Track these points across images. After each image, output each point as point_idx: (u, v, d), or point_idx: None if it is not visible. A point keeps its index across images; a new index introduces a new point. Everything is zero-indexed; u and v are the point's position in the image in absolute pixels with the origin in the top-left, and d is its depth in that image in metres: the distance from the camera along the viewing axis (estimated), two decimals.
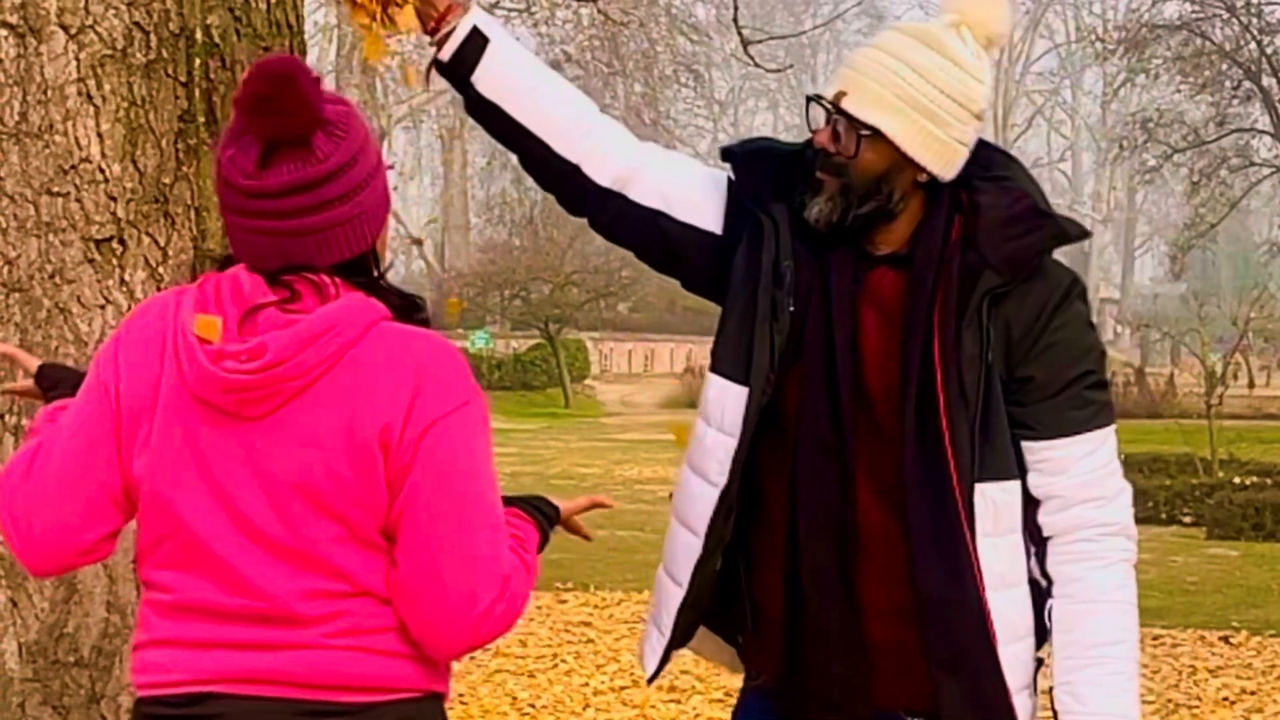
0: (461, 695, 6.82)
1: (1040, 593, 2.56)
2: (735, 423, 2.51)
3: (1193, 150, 30.18)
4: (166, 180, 2.60)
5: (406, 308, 2.11)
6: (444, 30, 2.54)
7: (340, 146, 2.04)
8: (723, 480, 2.53)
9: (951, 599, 2.47)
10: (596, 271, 31.74)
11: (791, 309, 2.50)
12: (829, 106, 2.49)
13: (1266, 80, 28.02)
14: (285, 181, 2.01)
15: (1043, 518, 2.52)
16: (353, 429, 2.02)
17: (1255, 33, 27.59)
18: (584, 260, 31.56)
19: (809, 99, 2.54)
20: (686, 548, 2.58)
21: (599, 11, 21.46)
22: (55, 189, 2.53)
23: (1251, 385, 29.26)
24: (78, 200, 2.53)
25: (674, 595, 2.60)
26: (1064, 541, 2.51)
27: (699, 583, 2.57)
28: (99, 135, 2.54)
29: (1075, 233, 2.53)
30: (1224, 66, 28.51)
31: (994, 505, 2.47)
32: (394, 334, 2.07)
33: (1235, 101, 29.18)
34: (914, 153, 2.46)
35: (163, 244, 2.60)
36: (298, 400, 2.02)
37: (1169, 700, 7.16)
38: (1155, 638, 8.57)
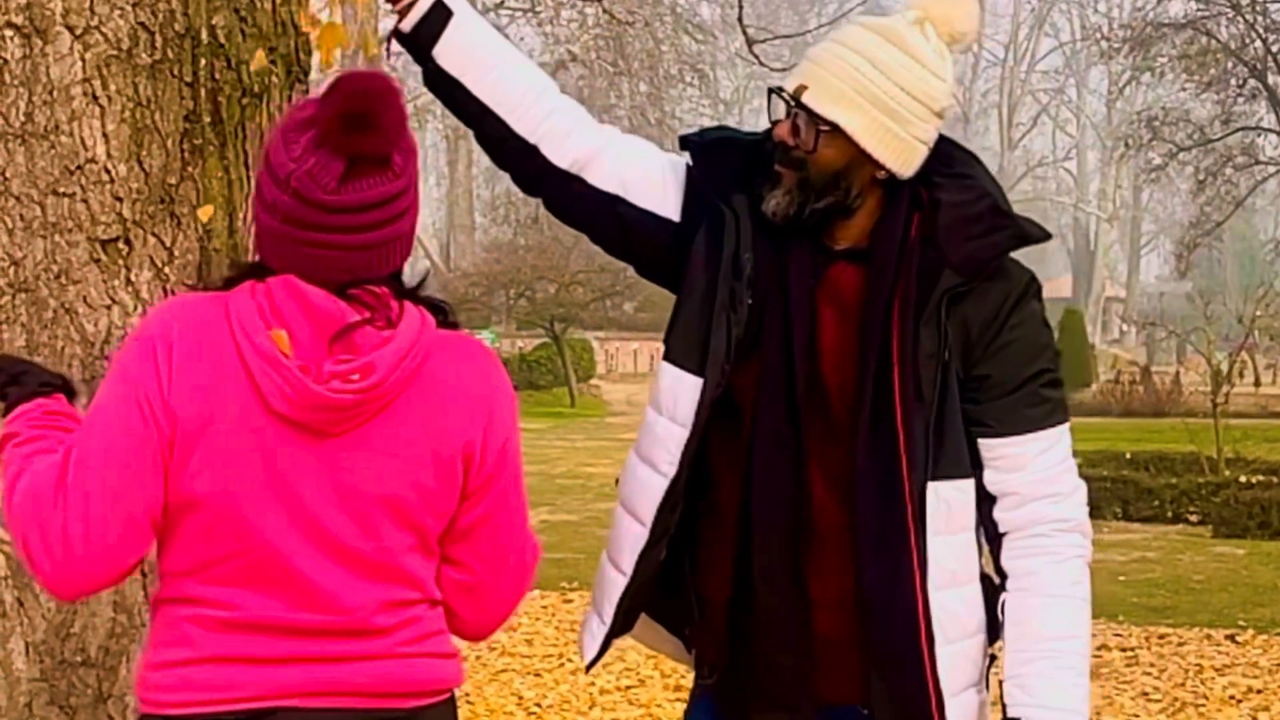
0: (468, 695, 6.82)
1: (992, 589, 2.56)
2: (688, 413, 2.50)
3: (1198, 148, 30.14)
4: (172, 180, 2.60)
5: (436, 313, 2.15)
6: (406, 0, 2.53)
7: (409, 161, 2.09)
8: (672, 470, 2.51)
9: (890, 596, 2.46)
10: (602, 271, 31.69)
11: (750, 301, 2.49)
12: (789, 100, 2.47)
13: (1272, 78, 27.96)
14: (368, 197, 2.03)
15: (999, 514, 2.52)
16: (437, 442, 2.08)
17: (1261, 31, 27.53)
18: (589, 259, 31.51)
19: (770, 91, 2.53)
20: (631, 536, 2.56)
21: (604, 11, 21.46)
22: (61, 189, 2.53)
23: (1257, 384, 29.19)
24: (84, 201, 2.54)
25: (616, 583, 2.58)
26: (1019, 536, 2.52)
27: (642, 571, 2.55)
28: (104, 136, 2.54)
29: (1037, 235, 2.53)
30: (1229, 64, 28.45)
31: (947, 504, 2.47)
32: (450, 343, 2.12)
33: (1241, 99, 29.12)
34: (873, 150, 2.44)
35: (168, 244, 2.61)
36: (380, 414, 2.05)
37: (1175, 699, 7.16)
38: (1161, 636, 8.57)
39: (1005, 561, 2.52)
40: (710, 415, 2.50)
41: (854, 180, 2.47)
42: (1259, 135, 30.32)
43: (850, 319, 2.50)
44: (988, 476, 2.51)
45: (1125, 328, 49.22)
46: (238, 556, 2.03)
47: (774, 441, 2.51)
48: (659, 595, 2.64)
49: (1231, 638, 8.54)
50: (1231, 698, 7.19)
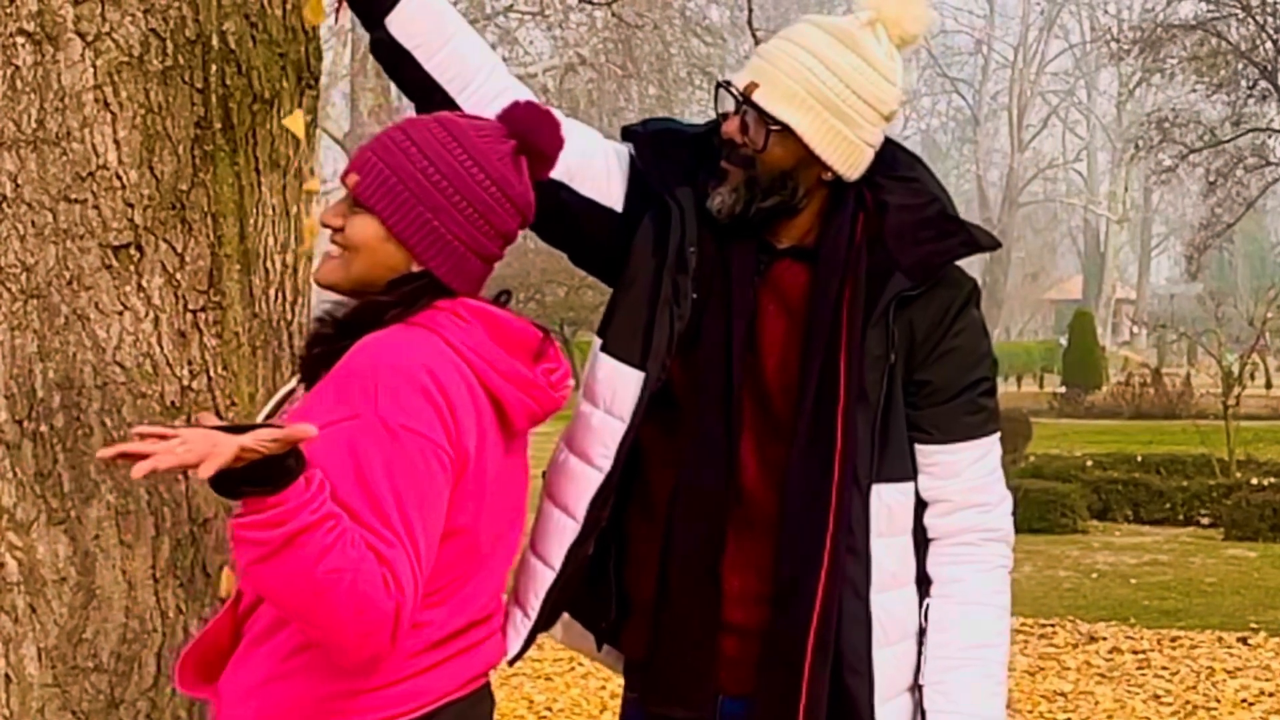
0: None
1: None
2: (626, 407, 2.48)
3: (1209, 150, 30.06)
4: (183, 187, 2.60)
5: None
6: None
7: None
8: (607, 464, 2.49)
9: (795, 590, 2.46)
10: None
11: (694, 296, 2.48)
12: (739, 97, 2.46)
13: None
14: None
15: (929, 520, 2.54)
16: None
17: (1271, 32, 27.47)
18: None
19: (718, 85, 2.51)
20: (560, 529, 2.52)
21: (613, 14, 21.46)
22: (72, 196, 2.53)
23: (1269, 385, 29.15)
24: (95, 207, 2.54)
25: (543, 577, 2.53)
26: (947, 544, 2.54)
27: (570, 566, 2.52)
28: (116, 142, 2.55)
29: (988, 242, 2.54)
30: (1240, 66, 28.39)
31: (889, 507, 2.48)
32: None
33: (1251, 101, 29.04)
34: (822, 152, 2.44)
35: (180, 250, 2.61)
36: None
37: (1187, 702, 7.15)
38: (1173, 639, 8.56)
39: (931, 567, 2.54)
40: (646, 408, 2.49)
41: (801, 180, 2.47)
42: (1269, 136, 30.24)
43: (796, 318, 2.50)
44: (921, 482, 2.53)
45: (1136, 329, 49.09)
46: (461, 578, 2.07)
47: (708, 437, 2.50)
48: (580, 590, 2.61)
49: (1243, 640, 8.53)
50: (1244, 701, 7.18)
